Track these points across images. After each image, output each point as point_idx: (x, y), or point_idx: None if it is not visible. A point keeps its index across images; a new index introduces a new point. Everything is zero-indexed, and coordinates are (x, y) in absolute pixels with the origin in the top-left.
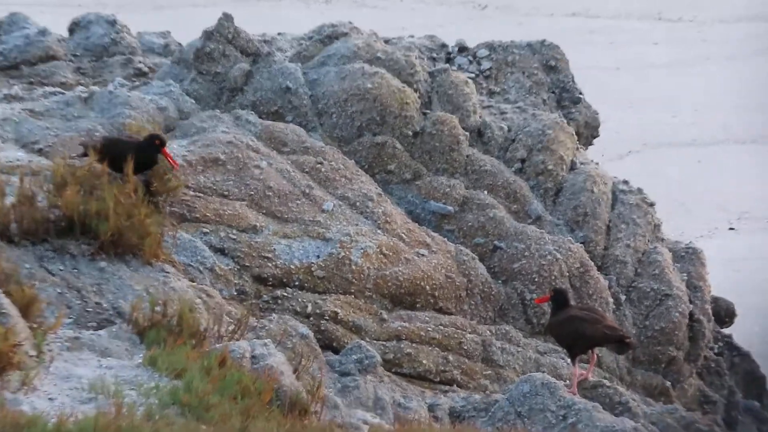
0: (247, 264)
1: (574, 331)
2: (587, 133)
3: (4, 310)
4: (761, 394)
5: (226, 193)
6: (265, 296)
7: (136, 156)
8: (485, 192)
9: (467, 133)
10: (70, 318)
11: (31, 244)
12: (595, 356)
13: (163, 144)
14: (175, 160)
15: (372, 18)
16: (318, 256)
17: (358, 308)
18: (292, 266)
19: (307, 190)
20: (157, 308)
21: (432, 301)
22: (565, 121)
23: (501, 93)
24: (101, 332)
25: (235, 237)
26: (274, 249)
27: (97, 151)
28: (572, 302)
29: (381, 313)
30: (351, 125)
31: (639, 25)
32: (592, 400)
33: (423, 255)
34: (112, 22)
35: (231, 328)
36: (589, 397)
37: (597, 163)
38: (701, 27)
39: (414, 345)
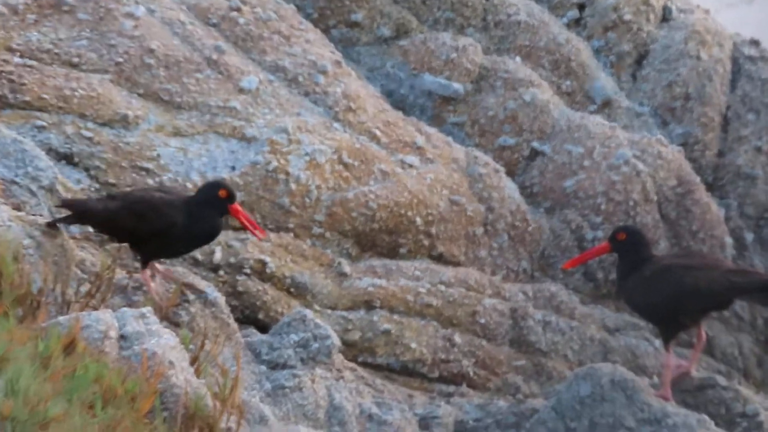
0: (111, 180)
1: (673, 288)
2: None
3: None
4: None
5: (76, 60)
6: None
7: (178, 225)
8: (517, 58)
9: None
10: None
11: None
12: (704, 335)
13: (232, 198)
14: (256, 222)
15: None
16: (233, 168)
17: (301, 255)
18: (189, 184)
19: (215, 56)
20: None
21: (426, 242)
22: None
23: None
24: None
25: (91, 135)
26: (159, 155)
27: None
28: (653, 251)
29: (340, 264)
30: None
31: None
32: (698, 409)
33: (411, 166)
34: None
35: (85, 288)
36: (692, 405)
37: (707, 11)
38: None
39: (396, 317)
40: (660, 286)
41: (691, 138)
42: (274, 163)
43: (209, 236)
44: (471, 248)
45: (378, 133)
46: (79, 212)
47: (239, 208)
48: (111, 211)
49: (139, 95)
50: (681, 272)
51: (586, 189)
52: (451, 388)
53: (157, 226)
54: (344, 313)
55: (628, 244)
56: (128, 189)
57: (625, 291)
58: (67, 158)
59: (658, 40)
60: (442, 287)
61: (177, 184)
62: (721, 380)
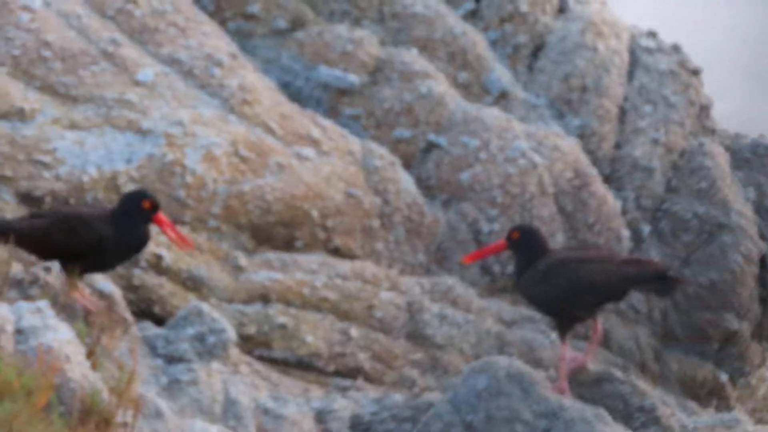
0: (7, 174)
1: (568, 281)
2: None
3: None
4: None
5: None
6: None
7: (109, 238)
8: (413, 50)
9: None
10: None
11: None
12: (600, 328)
13: (156, 208)
14: (181, 232)
15: None
16: (129, 161)
17: (198, 248)
18: (86, 177)
19: (111, 49)
20: None
21: (322, 236)
22: None
23: None
24: None
25: None
26: (55, 148)
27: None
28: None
29: (236, 257)
30: None
31: None
32: (595, 403)
33: (307, 158)
34: None
35: None
36: (588, 399)
37: (604, 2)
38: None
39: (292, 311)
40: (555, 279)
41: (587, 130)
42: (170, 156)
43: (138, 247)
44: (367, 241)
45: (274, 125)
46: (2, 231)
47: (164, 218)
48: (40, 229)
49: (36, 88)
50: (575, 265)
51: (482, 182)
52: (348, 382)
53: (88, 241)
54: (240, 307)
55: (523, 243)
56: (52, 207)
57: (522, 285)
58: None
59: (555, 31)
60: (339, 281)
61: (73, 176)
62: (618, 374)
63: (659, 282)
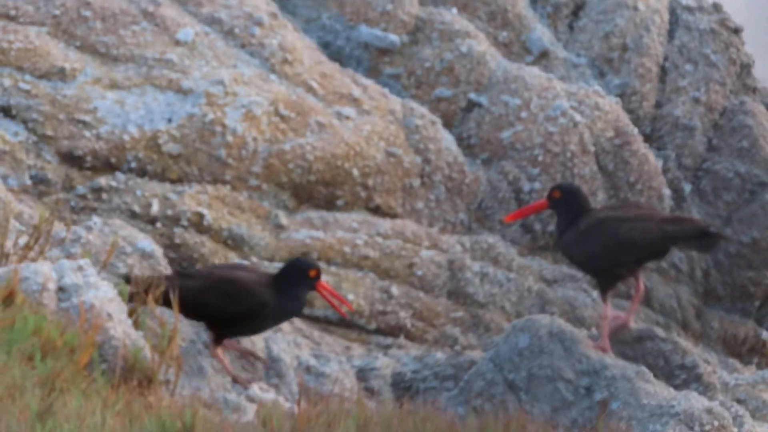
0: (49, 133)
1: (609, 239)
2: None
3: None
4: None
5: (13, 12)
6: (80, 187)
7: (270, 304)
8: (453, 10)
9: None
10: None
11: None
12: (642, 287)
13: (319, 275)
14: (341, 296)
15: None
16: (169, 120)
17: (238, 207)
18: (126, 137)
19: (151, 8)
20: None
21: (363, 194)
22: None
23: None
24: None
25: (28, 87)
26: (96, 108)
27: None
28: (589, 205)
29: (277, 216)
30: None
31: None
32: (636, 361)
33: (348, 117)
34: None
35: (22, 240)
36: (630, 357)
37: None
38: None
39: (333, 269)
40: (596, 237)
41: (628, 89)
42: (211, 116)
43: (297, 313)
44: (408, 200)
45: (314, 85)
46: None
47: (326, 284)
48: (194, 290)
49: (76, 48)
50: (616, 224)
51: (523, 141)
52: (389, 340)
53: (249, 307)
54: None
55: (564, 201)
56: (203, 267)
57: (563, 244)
58: (4, 111)
59: None
60: (379, 239)
61: (113, 136)
62: (660, 332)
63: (701, 239)
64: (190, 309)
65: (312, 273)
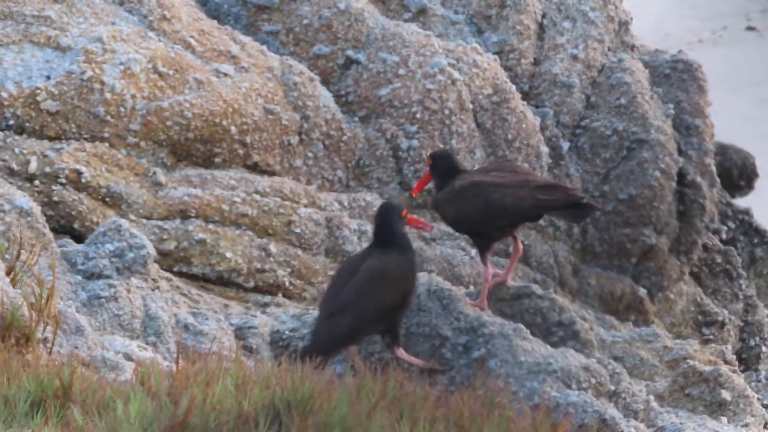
0: None
1: (481, 205)
2: None
3: None
4: None
5: None
6: None
7: None
8: None
9: None
10: None
11: None
12: (520, 246)
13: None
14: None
15: None
16: (48, 77)
17: (116, 165)
18: (4, 93)
19: None
20: None
21: (241, 152)
22: None
23: None
24: None
25: None
26: None
27: None
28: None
29: (155, 173)
30: None
31: None
32: (514, 318)
33: (226, 75)
34: None
35: None
36: (508, 314)
37: None
38: None
39: (211, 227)
40: (468, 201)
41: (506, 46)
42: (89, 73)
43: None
44: (286, 157)
45: (193, 42)
46: None
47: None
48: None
49: None
50: (489, 189)
51: (401, 98)
52: (267, 298)
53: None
54: (159, 223)
55: (437, 166)
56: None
57: (437, 203)
58: None
59: None
60: (258, 197)
61: None
62: (537, 289)
63: (574, 209)
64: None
65: (404, 213)
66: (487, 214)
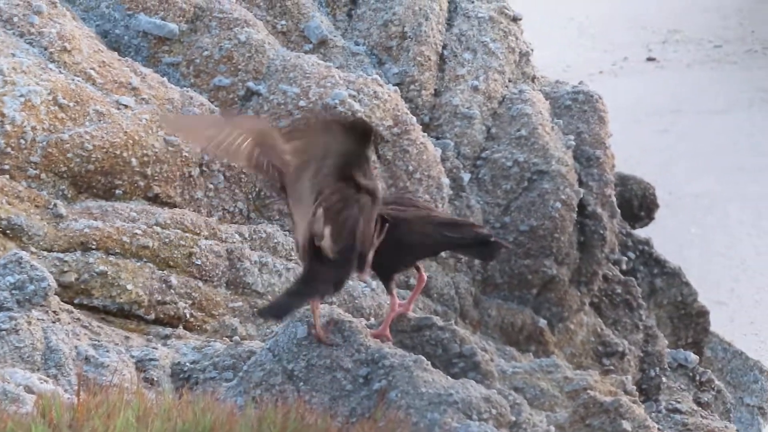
0: None
1: (385, 239)
2: None
3: None
4: (700, 340)
5: None
6: None
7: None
8: None
9: None
10: None
11: None
12: (424, 276)
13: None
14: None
15: None
16: None
17: (17, 197)
18: None
19: None
20: None
21: (142, 184)
22: None
23: None
24: None
25: None
26: None
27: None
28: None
29: (56, 205)
30: None
31: None
32: (415, 350)
33: (126, 106)
34: None
35: None
36: (409, 346)
37: None
38: None
39: (112, 259)
40: None
41: (407, 77)
42: None
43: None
44: (187, 189)
45: (93, 74)
46: None
47: None
48: None
49: None
50: (391, 224)
51: None
52: (168, 331)
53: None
54: (60, 255)
55: None
56: None
57: None
58: None
59: None
60: (159, 228)
61: None
62: (438, 321)
63: (480, 247)
64: None
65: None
66: (390, 250)
